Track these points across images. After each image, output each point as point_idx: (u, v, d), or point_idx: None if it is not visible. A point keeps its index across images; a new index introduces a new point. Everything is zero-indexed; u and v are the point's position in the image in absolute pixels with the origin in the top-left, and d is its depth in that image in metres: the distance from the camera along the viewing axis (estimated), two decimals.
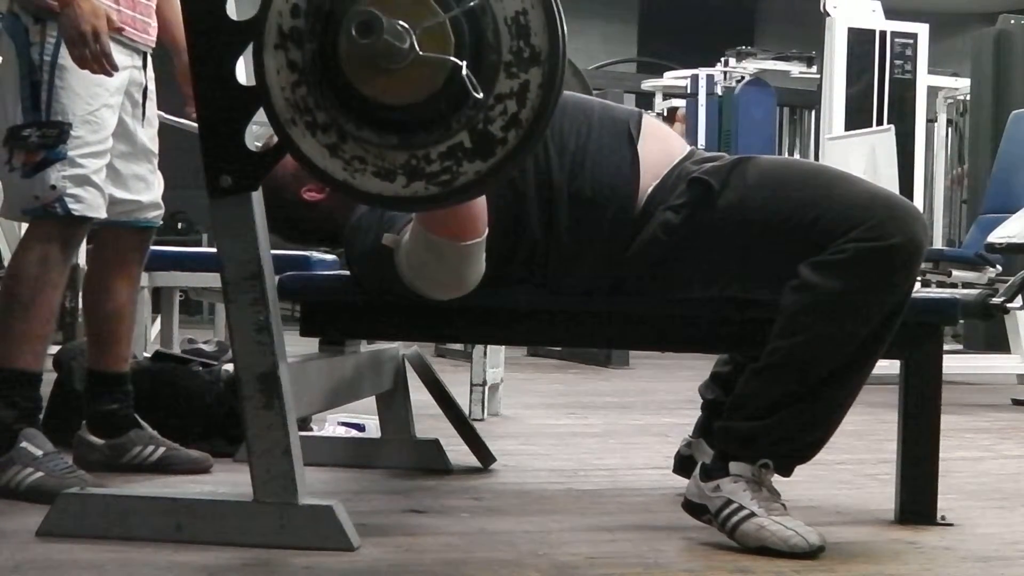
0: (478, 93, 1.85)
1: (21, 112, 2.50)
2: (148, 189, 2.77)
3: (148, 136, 2.77)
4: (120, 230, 2.76)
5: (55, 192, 2.49)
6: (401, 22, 1.83)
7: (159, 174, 2.82)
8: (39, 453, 2.47)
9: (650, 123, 2.45)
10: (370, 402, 3.06)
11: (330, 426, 3.41)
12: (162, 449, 2.82)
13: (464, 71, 1.84)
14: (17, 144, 2.50)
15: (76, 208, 2.51)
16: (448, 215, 2.10)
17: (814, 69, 8.69)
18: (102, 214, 2.58)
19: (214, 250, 2.21)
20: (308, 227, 2.55)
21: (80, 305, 5.06)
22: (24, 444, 2.47)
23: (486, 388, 4.10)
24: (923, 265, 5.41)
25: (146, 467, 2.79)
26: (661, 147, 2.42)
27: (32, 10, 2.51)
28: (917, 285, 2.41)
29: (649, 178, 2.36)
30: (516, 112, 1.88)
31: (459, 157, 1.90)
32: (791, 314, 2.23)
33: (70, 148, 2.50)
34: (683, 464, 2.68)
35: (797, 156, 9.31)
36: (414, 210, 2.10)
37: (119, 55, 2.53)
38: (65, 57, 2.47)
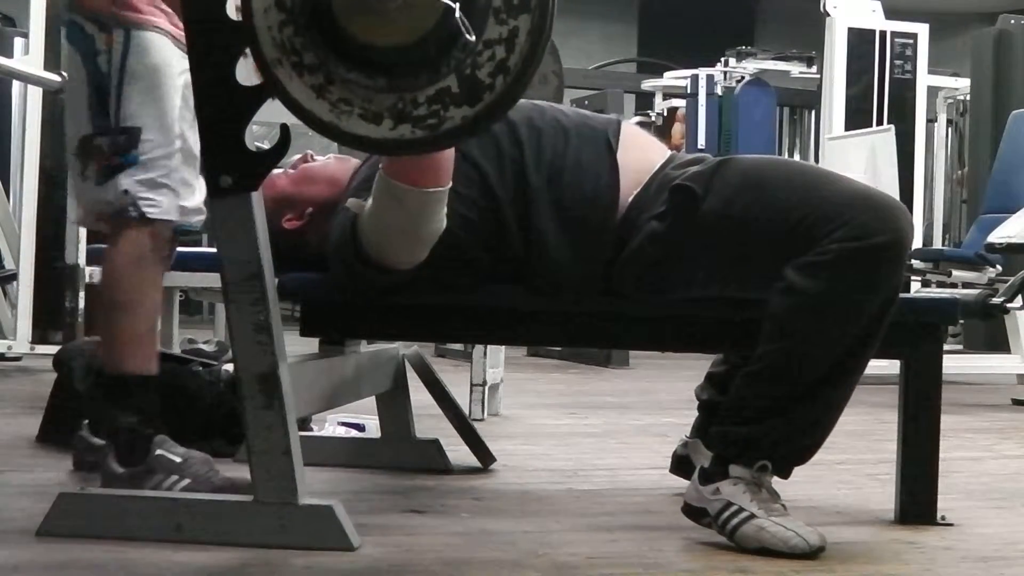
0: (470, 35, 1.85)
1: (90, 121, 2.46)
2: (192, 195, 2.73)
3: (194, 140, 2.73)
4: None
5: (128, 197, 2.43)
6: None
7: (202, 179, 2.78)
8: (178, 460, 2.43)
9: (629, 131, 2.46)
10: (370, 402, 3.06)
11: (330, 426, 3.41)
12: None
13: (457, 13, 1.84)
14: (90, 153, 2.46)
15: (151, 212, 2.44)
16: (413, 160, 2.12)
17: (814, 69, 8.68)
18: (175, 217, 2.54)
19: (214, 250, 2.20)
20: (289, 255, 2.50)
21: (81, 305, 5.07)
22: (160, 452, 2.43)
23: (486, 388, 4.10)
24: (923, 265, 5.46)
25: None
26: (641, 154, 2.42)
27: (94, 18, 2.46)
28: (917, 285, 2.42)
29: (631, 185, 2.36)
30: (504, 59, 1.88)
31: (446, 102, 1.90)
32: (778, 317, 2.23)
33: (141, 152, 2.45)
34: (679, 464, 2.69)
35: (797, 156, 9.31)
36: (399, 153, 2.09)
37: (178, 58, 2.50)
38: (133, 63, 2.44)
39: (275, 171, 2.47)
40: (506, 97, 1.90)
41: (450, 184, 2.20)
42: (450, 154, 2.17)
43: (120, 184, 2.45)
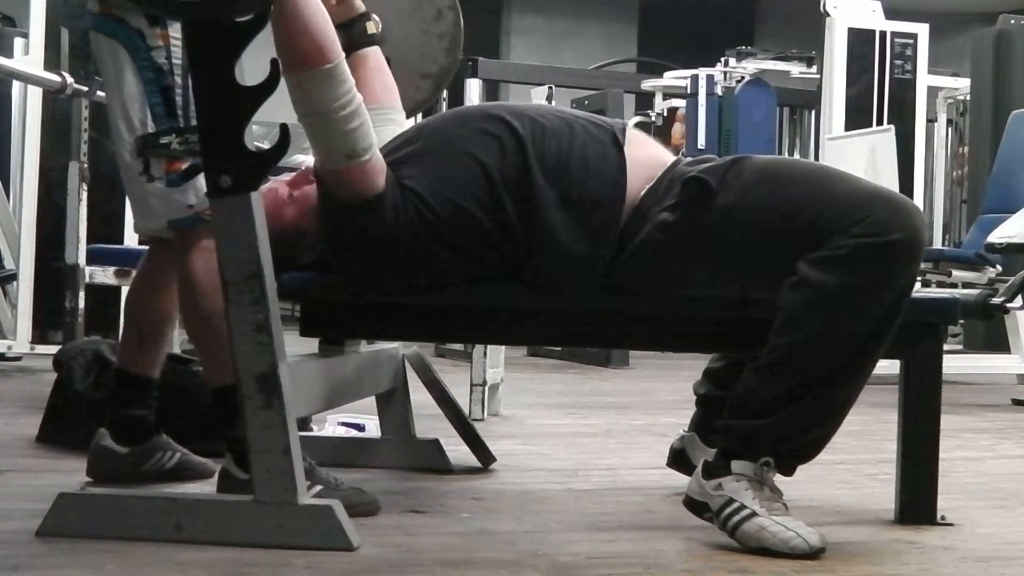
0: None
1: (152, 120, 2.38)
2: None
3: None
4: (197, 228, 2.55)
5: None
6: None
7: None
8: None
9: (635, 132, 2.46)
10: (370, 402, 3.06)
11: (330, 426, 3.41)
12: (178, 455, 2.74)
13: None
14: (156, 153, 2.38)
15: None
16: (293, 47, 2.13)
17: (814, 69, 8.68)
18: None
19: None
20: (286, 253, 2.45)
21: (81, 305, 5.07)
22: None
23: (486, 388, 4.10)
24: (923, 265, 5.44)
25: (164, 473, 2.69)
26: (649, 152, 2.43)
27: (142, 11, 2.36)
28: (917, 285, 2.41)
29: (641, 180, 2.36)
30: None
31: None
32: (790, 311, 2.23)
33: None
34: (676, 458, 2.70)
35: (797, 156, 9.31)
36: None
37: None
38: None
39: (279, 191, 2.43)
40: None
41: (338, 60, 2.17)
42: (327, 32, 2.16)
43: (201, 185, 2.31)
